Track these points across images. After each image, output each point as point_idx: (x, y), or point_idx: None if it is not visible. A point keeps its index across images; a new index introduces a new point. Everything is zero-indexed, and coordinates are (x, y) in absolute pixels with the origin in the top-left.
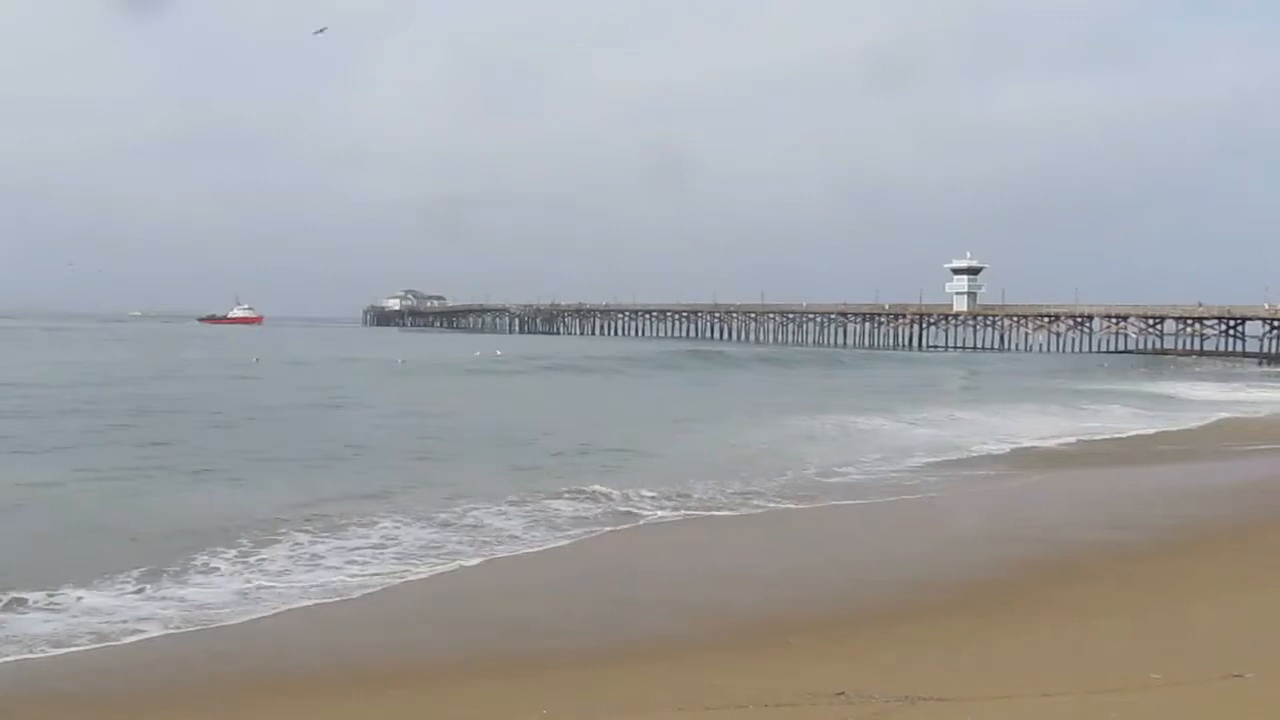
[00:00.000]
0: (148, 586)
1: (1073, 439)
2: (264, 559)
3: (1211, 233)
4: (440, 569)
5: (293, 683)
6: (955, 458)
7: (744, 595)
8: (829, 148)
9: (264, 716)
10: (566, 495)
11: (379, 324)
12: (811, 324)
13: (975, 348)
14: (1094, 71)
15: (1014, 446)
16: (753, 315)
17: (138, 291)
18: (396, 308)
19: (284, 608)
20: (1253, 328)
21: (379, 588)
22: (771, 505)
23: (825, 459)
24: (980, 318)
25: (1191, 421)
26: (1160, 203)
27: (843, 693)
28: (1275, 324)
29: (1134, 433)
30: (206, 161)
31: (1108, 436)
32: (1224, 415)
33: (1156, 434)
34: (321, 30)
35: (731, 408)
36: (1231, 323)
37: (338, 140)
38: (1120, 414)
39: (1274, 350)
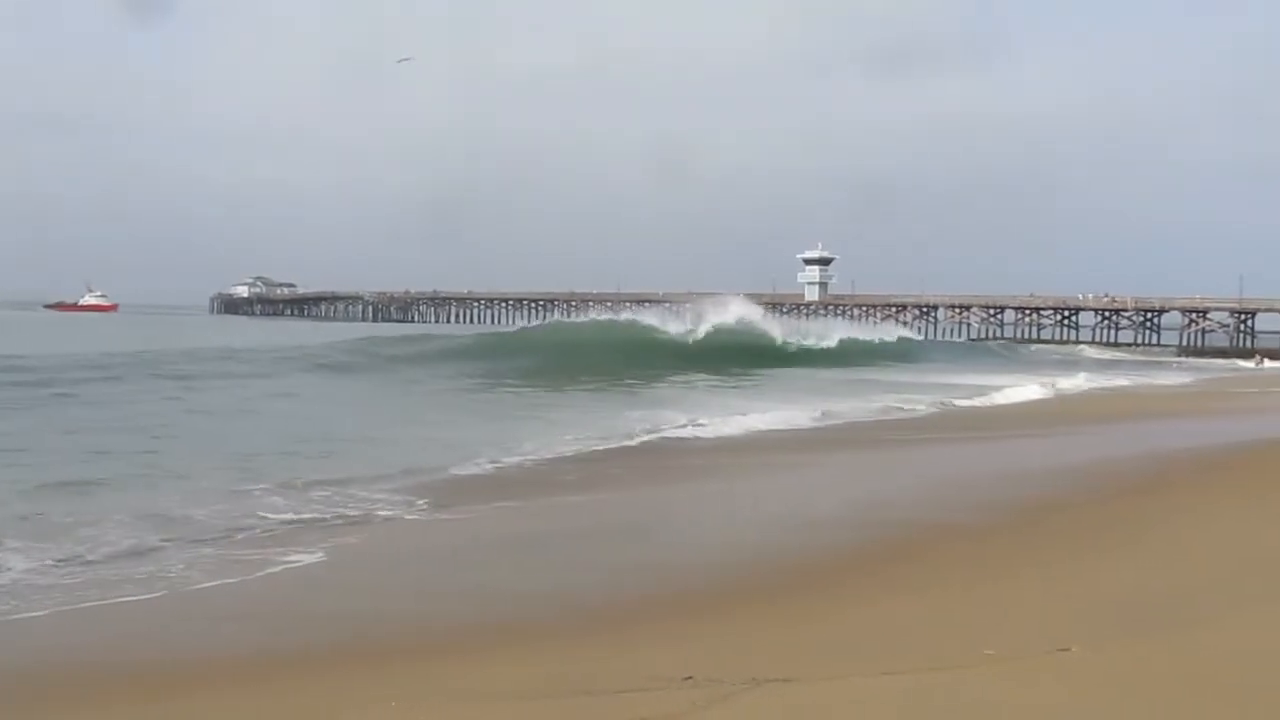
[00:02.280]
0: None
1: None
2: None
3: (1055, 230)
4: (247, 566)
5: (99, 682)
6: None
7: (580, 581)
8: (689, 143)
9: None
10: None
11: (227, 311)
12: (667, 312)
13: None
14: (945, 75)
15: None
16: (608, 303)
17: None
18: (245, 295)
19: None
20: (1085, 318)
21: (189, 586)
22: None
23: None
24: (831, 307)
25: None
26: (1006, 201)
27: (690, 677)
28: (1105, 314)
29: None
30: (40, 139)
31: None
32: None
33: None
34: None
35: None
36: (1066, 313)
37: (187, 121)
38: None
39: (1103, 339)
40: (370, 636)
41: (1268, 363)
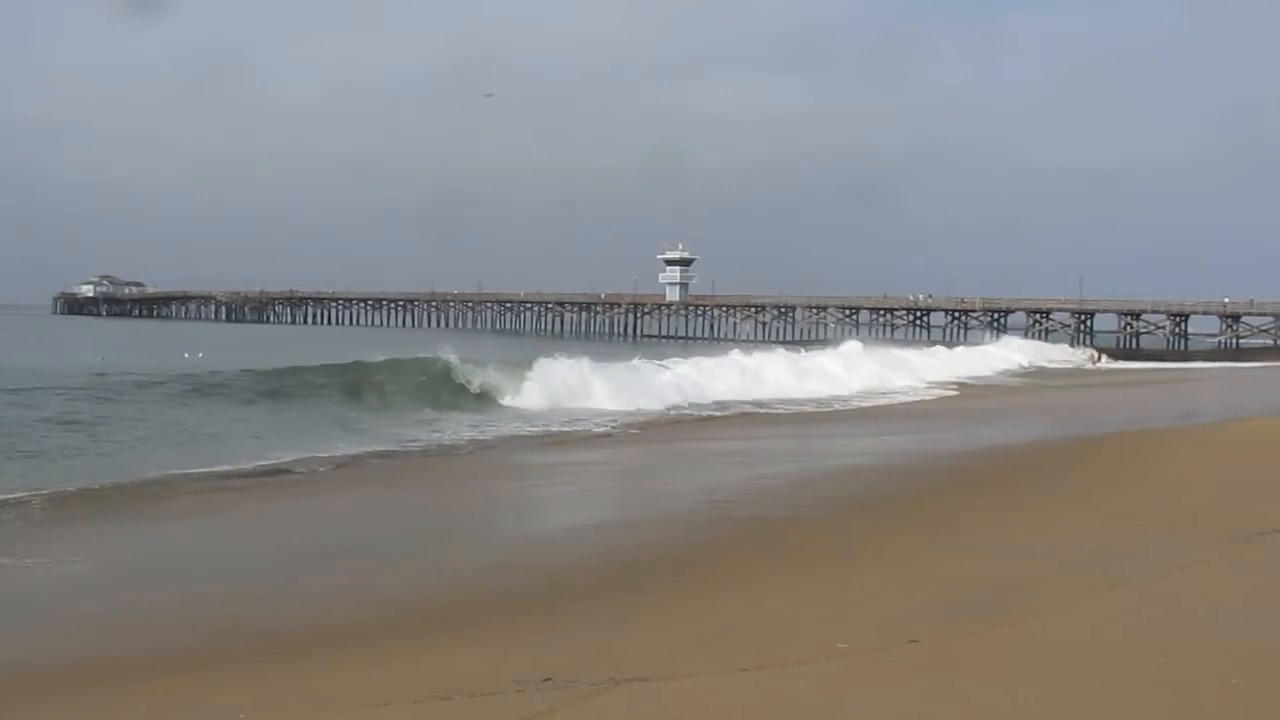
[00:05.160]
0: None
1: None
2: None
3: (910, 231)
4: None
5: None
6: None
7: (422, 583)
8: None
9: None
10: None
11: (70, 312)
12: (529, 313)
13: (687, 337)
14: (806, 74)
15: None
16: (470, 304)
17: None
18: (91, 294)
19: None
20: (937, 318)
21: None
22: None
23: None
24: (691, 308)
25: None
26: (862, 202)
27: (550, 678)
28: (955, 314)
29: None
30: None
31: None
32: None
33: None
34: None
35: None
36: (919, 313)
37: (28, 114)
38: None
39: (954, 339)
40: (189, 643)
41: (1104, 361)
